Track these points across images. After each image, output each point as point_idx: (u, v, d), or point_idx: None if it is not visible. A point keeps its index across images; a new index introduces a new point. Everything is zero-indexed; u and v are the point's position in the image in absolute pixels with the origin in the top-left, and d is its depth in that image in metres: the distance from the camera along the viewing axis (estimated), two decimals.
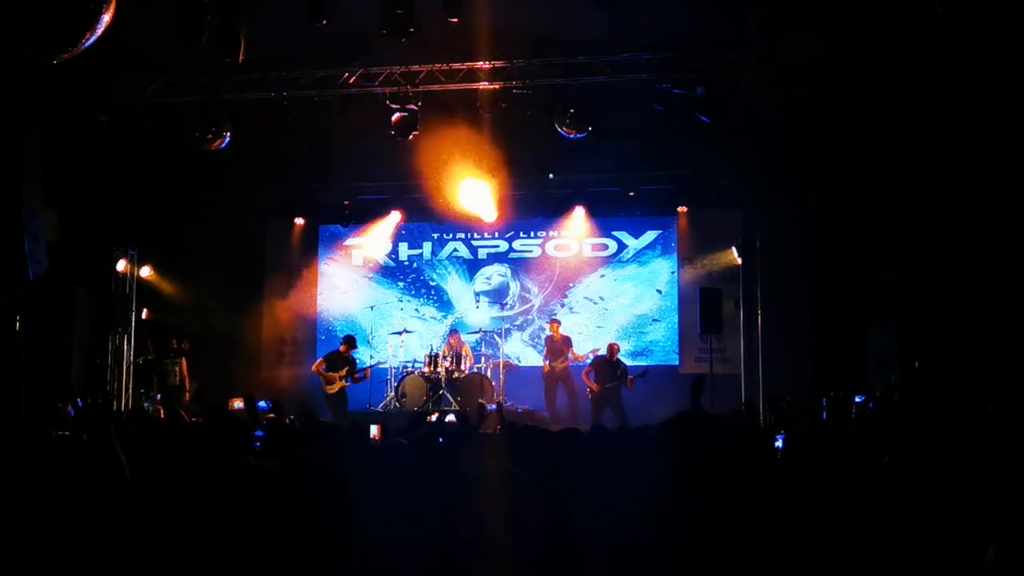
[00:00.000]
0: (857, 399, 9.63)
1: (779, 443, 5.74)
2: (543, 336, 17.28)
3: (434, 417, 8.44)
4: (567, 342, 16.54)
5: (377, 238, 18.59)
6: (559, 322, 16.83)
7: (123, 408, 15.54)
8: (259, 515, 3.23)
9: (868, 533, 4.17)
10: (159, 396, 15.69)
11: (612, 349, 15.93)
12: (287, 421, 6.77)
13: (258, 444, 5.51)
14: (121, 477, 4.07)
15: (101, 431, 4.23)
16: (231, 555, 3.22)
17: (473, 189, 16.42)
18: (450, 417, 8.37)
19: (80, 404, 4.29)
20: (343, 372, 15.64)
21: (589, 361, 16.14)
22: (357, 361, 16.09)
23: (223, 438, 5.20)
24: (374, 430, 8.49)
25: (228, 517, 3.26)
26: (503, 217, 17.66)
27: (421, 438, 4.91)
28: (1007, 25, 9.92)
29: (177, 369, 16.30)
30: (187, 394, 16.15)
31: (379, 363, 16.53)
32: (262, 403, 11.51)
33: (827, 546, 4.01)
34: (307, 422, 7.79)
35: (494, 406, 14.31)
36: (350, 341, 16.02)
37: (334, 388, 15.58)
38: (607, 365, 15.76)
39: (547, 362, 16.45)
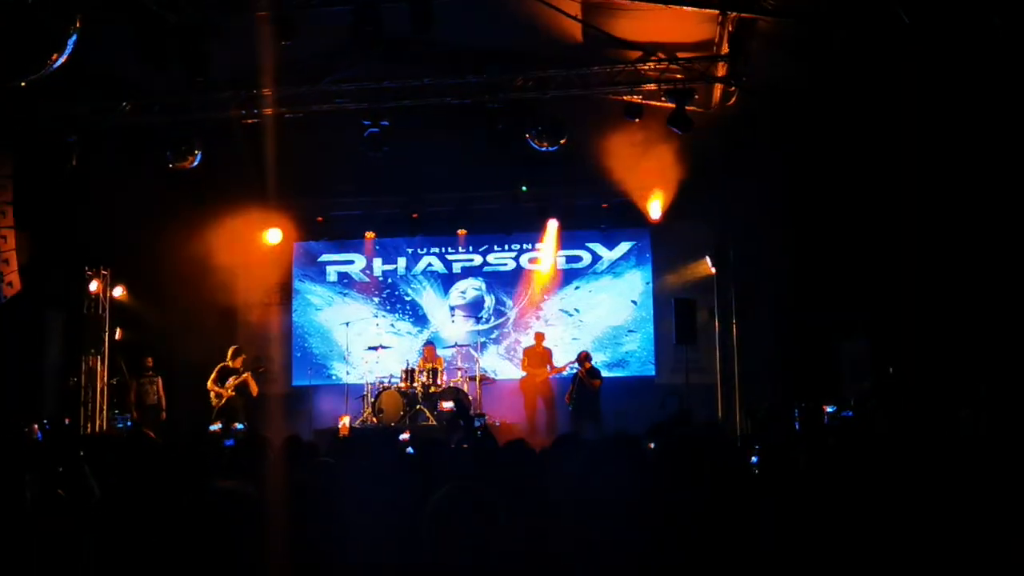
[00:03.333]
0: (829, 409, 9.63)
1: (754, 459, 5.69)
2: (520, 348, 17.32)
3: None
4: (548, 354, 16.58)
5: (351, 254, 18.60)
6: (543, 334, 16.95)
7: (97, 430, 15.44)
8: (231, 538, 3.21)
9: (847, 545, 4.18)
10: (134, 416, 15.65)
11: (582, 359, 16.05)
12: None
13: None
14: (91, 502, 4.04)
15: (70, 455, 4.19)
16: None
17: None
18: (403, 436, 8.34)
19: (48, 427, 4.24)
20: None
21: (568, 371, 16.23)
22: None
23: (196, 460, 5.17)
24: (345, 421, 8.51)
25: (199, 541, 3.24)
26: (477, 231, 17.77)
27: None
28: (973, 37, 9.99)
29: (154, 388, 16.20)
30: (163, 413, 16.09)
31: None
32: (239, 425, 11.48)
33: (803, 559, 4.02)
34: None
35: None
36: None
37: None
38: (578, 380, 15.92)
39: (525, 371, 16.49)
